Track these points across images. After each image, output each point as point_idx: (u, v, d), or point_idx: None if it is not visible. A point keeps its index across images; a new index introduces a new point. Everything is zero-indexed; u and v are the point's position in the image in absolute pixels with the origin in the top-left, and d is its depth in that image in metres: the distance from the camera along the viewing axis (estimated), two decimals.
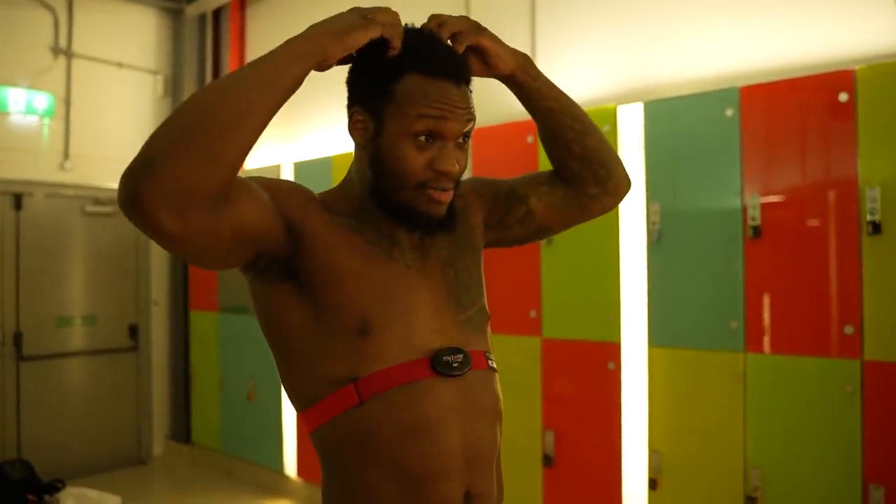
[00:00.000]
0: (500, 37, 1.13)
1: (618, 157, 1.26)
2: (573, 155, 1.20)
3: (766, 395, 2.42)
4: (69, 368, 4.69)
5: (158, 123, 0.85)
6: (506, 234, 1.24)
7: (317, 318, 1.01)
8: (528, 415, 2.99)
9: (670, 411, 2.66)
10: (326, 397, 1.01)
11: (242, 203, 0.90)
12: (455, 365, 1.03)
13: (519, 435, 2.96)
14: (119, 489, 2.88)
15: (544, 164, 1.42)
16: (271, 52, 0.91)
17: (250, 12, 5.15)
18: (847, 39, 2.47)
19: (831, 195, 2.32)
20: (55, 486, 2.48)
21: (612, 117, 2.81)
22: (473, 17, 3.46)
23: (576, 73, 3.22)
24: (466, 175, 1.11)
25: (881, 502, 2.16)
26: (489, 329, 1.16)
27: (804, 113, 2.38)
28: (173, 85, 5.24)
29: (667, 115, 2.71)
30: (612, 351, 2.79)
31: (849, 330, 2.26)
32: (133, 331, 4.98)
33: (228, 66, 5.18)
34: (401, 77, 0.99)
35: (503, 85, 1.18)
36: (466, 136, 1.04)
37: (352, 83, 1.05)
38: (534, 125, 1.23)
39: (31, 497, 2.42)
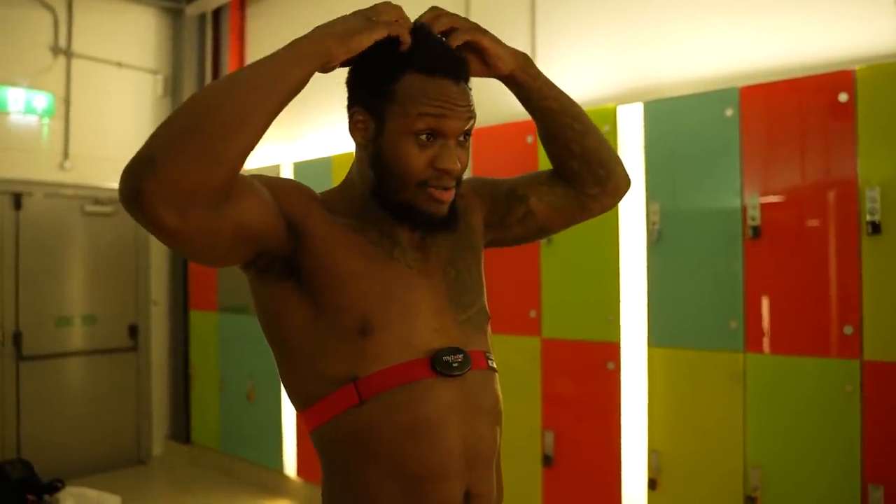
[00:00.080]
0: (500, 37, 1.13)
1: (617, 157, 1.26)
2: (573, 154, 1.21)
3: (766, 396, 2.42)
4: (69, 368, 4.69)
5: (158, 123, 0.85)
6: (506, 233, 1.24)
7: (317, 318, 1.01)
8: (528, 415, 2.99)
9: (670, 411, 2.66)
10: (326, 397, 1.01)
11: (244, 201, 0.90)
12: (455, 365, 1.03)
13: (519, 435, 2.96)
14: (119, 489, 2.87)
15: (544, 164, 1.42)
16: (274, 54, 0.92)
17: (250, 12, 5.15)
18: (847, 39, 2.47)
19: (831, 195, 2.32)
20: (55, 486, 2.47)
21: (612, 117, 2.81)
22: (473, 17, 3.48)
23: (576, 73, 3.22)
24: (466, 175, 1.11)
25: (881, 502, 2.16)
26: (489, 329, 1.16)
27: (804, 113, 2.38)
28: (173, 85, 5.24)
29: (667, 115, 2.71)
30: (611, 351, 2.79)
31: (848, 330, 2.26)
32: (133, 331, 4.98)
33: (228, 66, 5.18)
34: (401, 76, 0.99)
35: (503, 85, 1.19)
36: (467, 134, 1.04)
37: (352, 84, 1.05)
38: (534, 125, 1.23)
39: (30, 497, 2.42)
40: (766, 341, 2.43)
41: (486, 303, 1.16)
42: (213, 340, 4.76)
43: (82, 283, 4.78)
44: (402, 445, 0.99)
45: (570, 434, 2.91)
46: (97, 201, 4.79)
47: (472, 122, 1.03)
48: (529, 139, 3.02)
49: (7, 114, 4.50)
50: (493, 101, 2.60)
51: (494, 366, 1.12)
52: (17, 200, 4.49)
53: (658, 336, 2.70)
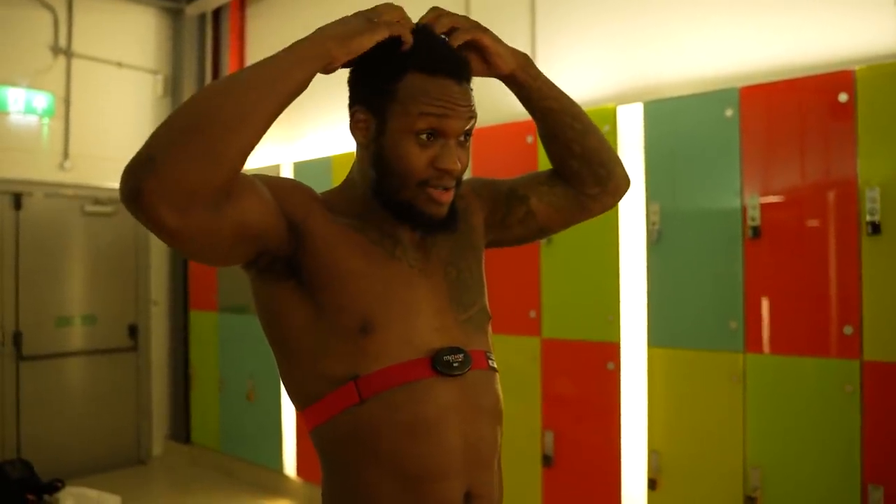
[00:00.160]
0: (500, 37, 1.13)
1: (617, 157, 1.26)
2: (573, 154, 1.21)
3: (766, 396, 2.42)
4: (69, 368, 4.69)
5: (158, 123, 0.86)
6: (507, 234, 1.24)
7: (318, 317, 1.01)
8: (528, 415, 2.99)
9: (670, 411, 2.66)
10: (327, 395, 1.01)
11: (244, 201, 0.91)
12: (455, 365, 1.03)
13: (518, 435, 2.96)
14: (119, 489, 2.88)
15: (544, 164, 1.42)
16: (275, 55, 0.92)
17: (250, 12, 5.15)
18: (847, 40, 2.47)
19: (831, 195, 2.32)
20: (55, 486, 2.48)
21: (611, 117, 2.81)
22: (473, 17, 3.46)
23: (576, 73, 3.22)
24: (466, 176, 1.11)
25: (880, 502, 2.16)
26: (490, 329, 1.16)
27: (804, 113, 2.38)
28: (173, 85, 5.24)
29: (667, 115, 2.71)
30: (611, 351, 2.79)
31: (848, 330, 2.26)
32: (133, 330, 4.98)
33: (228, 65, 5.18)
34: (402, 76, 0.99)
35: (503, 85, 1.19)
36: (468, 134, 1.04)
37: (353, 83, 1.06)
38: (534, 125, 1.24)
39: (30, 497, 2.42)
40: (765, 341, 2.43)
41: (487, 303, 1.16)
42: (213, 340, 4.76)
43: (82, 283, 4.78)
44: (402, 445, 0.99)
45: (569, 434, 2.91)
46: (97, 201, 4.80)
47: (472, 123, 1.04)
48: (529, 139, 3.02)
49: (7, 114, 4.50)
50: (493, 101, 2.60)
51: (495, 366, 1.12)
52: (17, 200, 4.49)
53: (658, 336, 2.70)
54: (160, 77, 5.20)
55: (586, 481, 2.86)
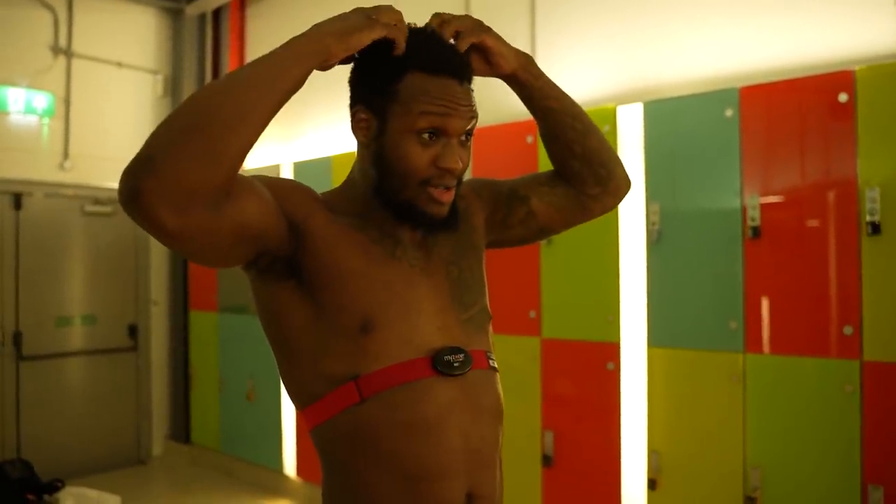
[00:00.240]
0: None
1: (618, 158, 1.27)
2: (574, 155, 1.21)
3: (766, 396, 2.42)
4: (69, 368, 4.69)
5: (158, 123, 0.85)
6: (507, 234, 1.24)
7: (319, 317, 1.01)
8: (528, 415, 2.99)
9: (670, 411, 2.66)
10: (327, 395, 1.01)
11: (243, 201, 0.90)
12: (456, 364, 1.03)
13: (518, 435, 2.96)
14: (119, 489, 2.88)
15: (544, 164, 1.42)
16: (273, 52, 0.92)
17: (250, 12, 5.15)
18: (847, 40, 2.47)
19: (831, 196, 2.32)
20: (55, 486, 2.48)
21: (611, 117, 2.81)
22: (473, 17, 3.46)
23: (576, 74, 3.22)
24: (466, 176, 1.12)
25: (880, 502, 2.16)
26: (491, 329, 1.16)
27: (804, 113, 2.38)
28: (173, 85, 5.24)
29: (667, 115, 2.71)
30: (611, 351, 2.79)
31: (848, 330, 2.26)
32: (132, 331, 4.98)
33: (228, 65, 5.18)
34: (404, 75, 0.99)
35: (503, 85, 1.19)
36: (469, 133, 1.04)
37: (354, 82, 1.06)
38: (534, 125, 1.24)
39: (30, 496, 2.42)
40: (765, 342, 2.43)
41: (488, 303, 1.16)
42: (213, 340, 4.76)
43: (82, 283, 4.78)
44: (403, 444, 0.99)
45: (569, 434, 2.91)
46: (97, 201, 4.80)
47: (474, 122, 1.04)
48: (529, 139, 3.02)
49: (7, 114, 4.50)
50: (493, 101, 2.60)
51: (496, 365, 1.12)
52: (17, 200, 4.49)
53: (658, 336, 2.70)
54: (160, 77, 5.20)
55: (586, 481, 2.86)
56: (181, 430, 5.11)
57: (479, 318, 1.12)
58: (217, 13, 5.31)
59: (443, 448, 1.01)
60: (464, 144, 1.04)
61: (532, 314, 3.01)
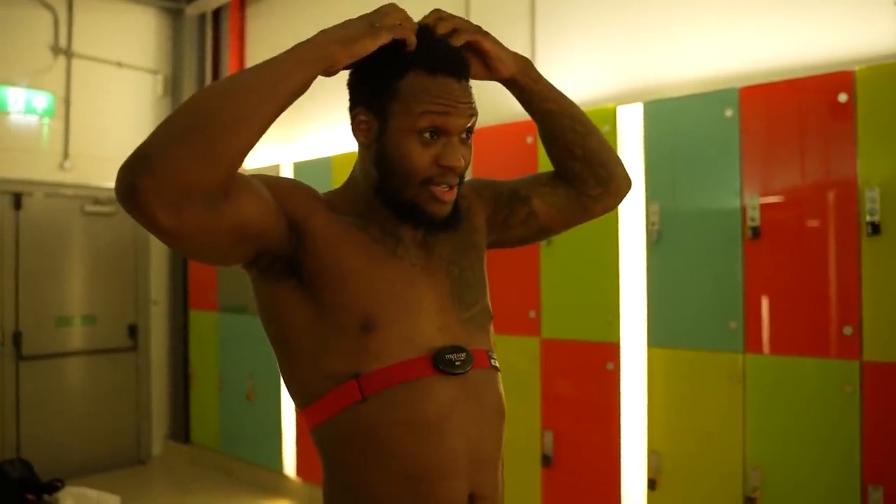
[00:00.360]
0: (500, 38, 1.14)
1: (618, 158, 1.27)
2: (574, 156, 1.21)
3: (766, 396, 2.42)
4: (69, 368, 4.69)
5: (158, 123, 0.85)
6: (508, 234, 1.24)
7: (319, 316, 1.01)
8: (528, 415, 2.99)
9: (669, 412, 2.66)
10: (328, 394, 1.01)
11: (242, 200, 0.90)
12: (457, 363, 1.03)
13: (518, 435, 2.96)
14: (118, 489, 2.88)
15: (544, 164, 1.42)
16: (276, 57, 0.92)
17: (250, 12, 5.15)
18: (847, 40, 2.48)
19: (831, 196, 2.32)
20: (54, 486, 2.48)
21: (611, 118, 2.81)
22: (473, 17, 3.48)
23: (575, 74, 3.22)
24: (466, 176, 1.12)
25: (880, 503, 2.16)
26: (492, 328, 1.16)
27: (804, 113, 2.38)
28: (173, 85, 5.24)
29: (666, 115, 2.71)
30: (611, 351, 2.79)
31: (848, 331, 2.26)
32: (132, 330, 4.98)
33: (228, 66, 5.18)
34: (403, 75, 1.00)
35: (503, 86, 1.19)
36: (469, 131, 1.05)
37: (353, 85, 1.06)
38: (533, 125, 1.24)
39: (30, 496, 2.42)
40: (765, 342, 2.43)
41: (489, 302, 1.16)
42: (212, 340, 4.76)
43: (82, 283, 4.78)
44: (403, 443, 0.99)
45: (569, 434, 2.91)
46: (97, 201, 4.80)
47: (474, 120, 1.04)
48: (529, 139, 3.02)
49: (7, 114, 4.50)
50: (493, 102, 2.60)
51: (497, 365, 1.12)
52: (17, 200, 4.49)
53: (657, 336, 2.70)
54: (160, 77, 5.20)
55: (586, 481, 2.86)
56: (181, 429, 5.11)
57: (481, 318, 1.12)
58: (217, 13, 5.31)
59: (444, 447, 1.01)
60: (465, 142, 1.04)
61: (532, 314, 3.01)
